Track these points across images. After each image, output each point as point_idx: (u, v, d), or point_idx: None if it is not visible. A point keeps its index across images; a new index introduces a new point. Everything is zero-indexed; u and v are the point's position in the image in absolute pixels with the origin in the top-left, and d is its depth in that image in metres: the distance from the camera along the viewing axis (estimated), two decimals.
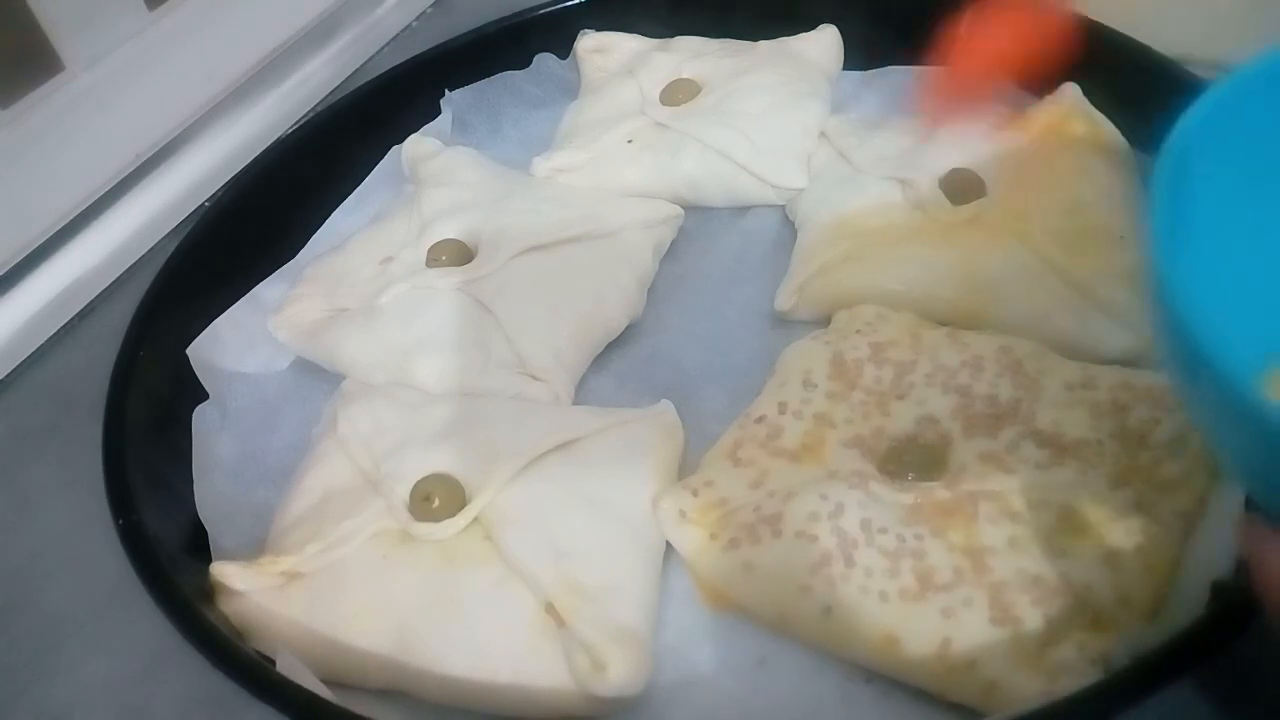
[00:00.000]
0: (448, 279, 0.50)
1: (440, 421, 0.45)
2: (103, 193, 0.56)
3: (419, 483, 0.42)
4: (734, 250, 0.55)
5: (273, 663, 0.38)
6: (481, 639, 0.38)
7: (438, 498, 0.41)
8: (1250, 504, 0.35)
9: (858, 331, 0.47)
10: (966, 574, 0.37)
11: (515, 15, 0.64)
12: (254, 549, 0.43)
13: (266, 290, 0.53)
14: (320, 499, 0.43)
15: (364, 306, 0.50)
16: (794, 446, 0.43)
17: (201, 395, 0.49)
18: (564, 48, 0.65)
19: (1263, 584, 0.28)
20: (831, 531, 0.38)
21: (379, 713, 0.36)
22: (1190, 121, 0.29)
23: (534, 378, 0.47)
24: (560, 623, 0.38)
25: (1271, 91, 0.30)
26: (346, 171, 0.59)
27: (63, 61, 0.54)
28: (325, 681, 0.38)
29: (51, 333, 0.54)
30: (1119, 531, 0.37)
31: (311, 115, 0.63)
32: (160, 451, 0.46)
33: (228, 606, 0.41)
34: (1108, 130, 0.52)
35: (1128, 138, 0.52)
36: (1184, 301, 0.26)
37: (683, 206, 0.56)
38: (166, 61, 0.59)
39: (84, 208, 0.56)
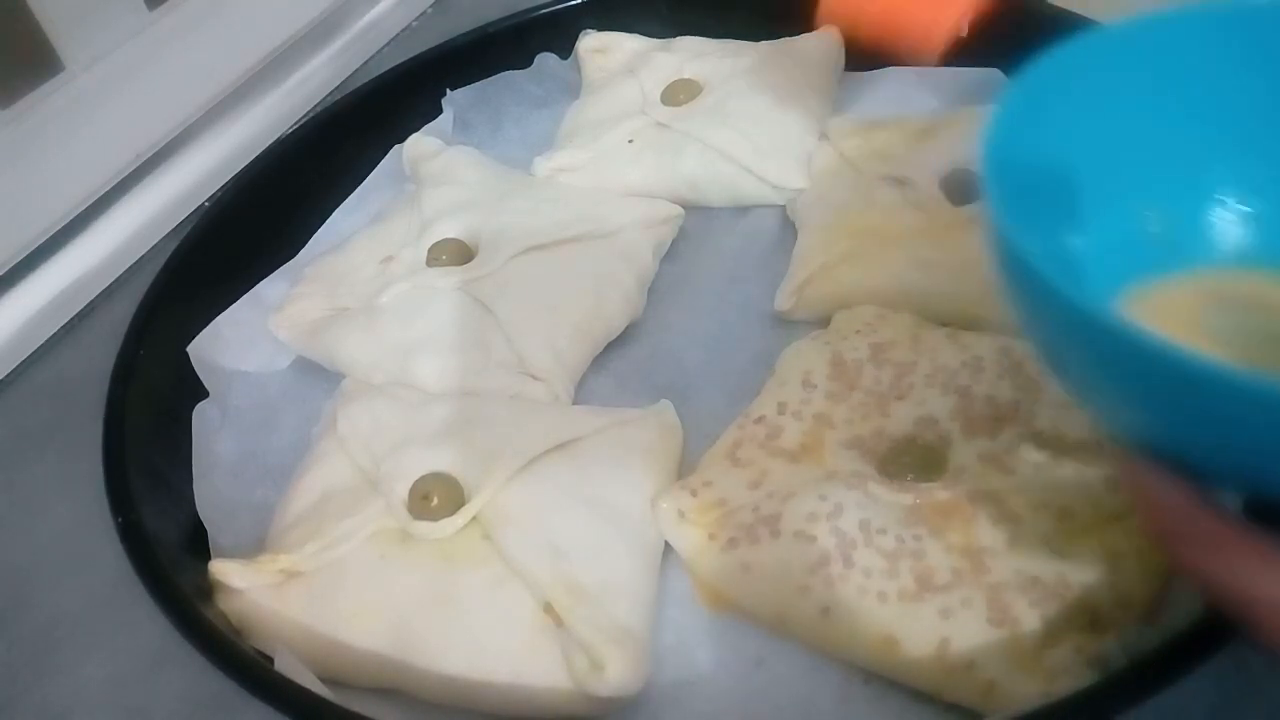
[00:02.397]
0: (448, 279, 0.50)
1: (440, 421, 0.45)
2: (103, 193, 0.56)
3: (418, 481, 0.42)
4: (734, 250, 0.55)
5: (271, 661, 0.38)
6: (480, 638, 0.38)
7: (437, 497, 0.41)
8: (1252, 511, 0.36)
9: (857, 332, 0.47)
10: (965, 575, 0.37)
11: (516, 15, 0.65)
12: (253, 548, 0.43)
13: (267, 289, 0.53)
14: (320, 498, 0.43)
15: (364, 306, 0.50)
16: (793, 447, 0.43)
17: (201, 394, 0.49)
18: (565, 47, 0.65)
19: (1152, 524, 0.29)
20: (830, 532, 0.38)
21: (377, 712, 0.36)
22: (1022, 85, 0.32)
23: (534, 377, 0.47)
24: (558, 622, 0.38)
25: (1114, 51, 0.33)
26: (346, 171, 0.59)
27: (63, 61, 0.55)
28: (323, 680, 0.38)
29: (51, 333, 0.54)
30: (1118, 533, 0.37)
31: (311, 115, 0.63)
32: (160, 451, 0.46)
33: (227, 605, 0.41)
34: None
35: None
36: (1022, 247, 0.27)
37: (683, 206, 0.56)
38: (166, 61, 0.59)
39: (84, 208, 0.56)
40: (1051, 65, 0.32)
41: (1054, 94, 0.32)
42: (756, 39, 0.62)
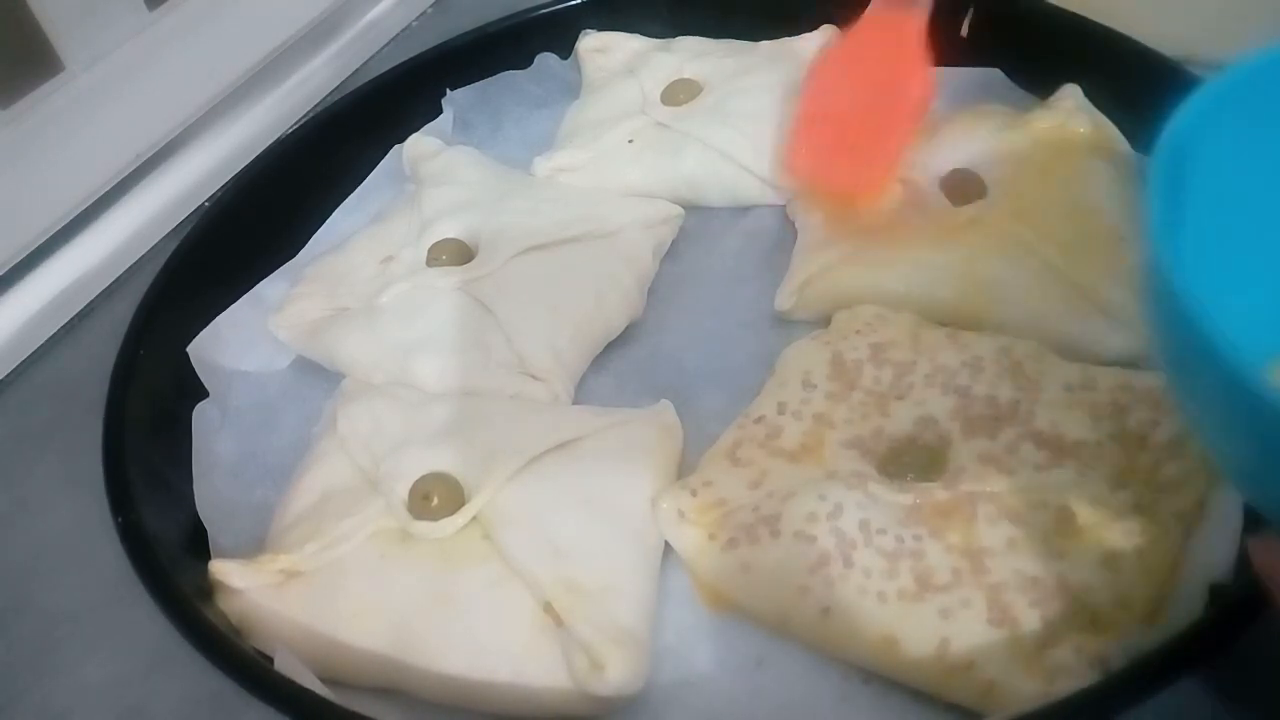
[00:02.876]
0: (448, 278, 0.50)
1: (440, 421, 0.45)
2: (103, 193, 0.56)
3: (418, 481, 0.42)
4: (734, 250, 0.55)
5: (271, 661, 0.38)
6: (480, 638, 0.38)
7: (437, 496, 0.41)
8: (1252, 514, 0.36)
9: (857, 332, 0.47)
10: (965, 575, 0.37)
11: (516, 15, 0.64)
12: (253, 548, 0.43)
13: (267, 289, 0.53)
14: (320, 498, 0.43)
15: (364, 306, 0.50)
16: (793, 447, 0.43)
17: (201, 394, 0.49)
18: (565, 47, 0.65)
19: None
20: (830, 532, 0.38)
21: (377, 712, 0.36)
22: (1186, 116, 0.29)
23: (534, 377, 0.47)
24: (559, 622, 0.38)
25: (1269, 86, 0.30)
26: (346, 171, 0.59)
27: (63, 61, 0.55)
28: (323, 680, 0.38)
29: (51, 333, 0.54)
30: (1118, 533, 0.37)
31: (311, 115, 0.63)
32: (160, 451, 0.46)
33: (227, 604, 0.41)
34: (1109, 131, 0.52)
35: (1128, 138, 0.52)
36: (1184, 293, 0.25)
37: (683, 206, 0.56)
38: (166, 61, 0.59)
39: (84, 208, 0.56)
40: (1227, 87, 0.29)
41: (1232, 115, 0.29)
42: (756, 39, 0.62)
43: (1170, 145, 0.28)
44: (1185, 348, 0.26)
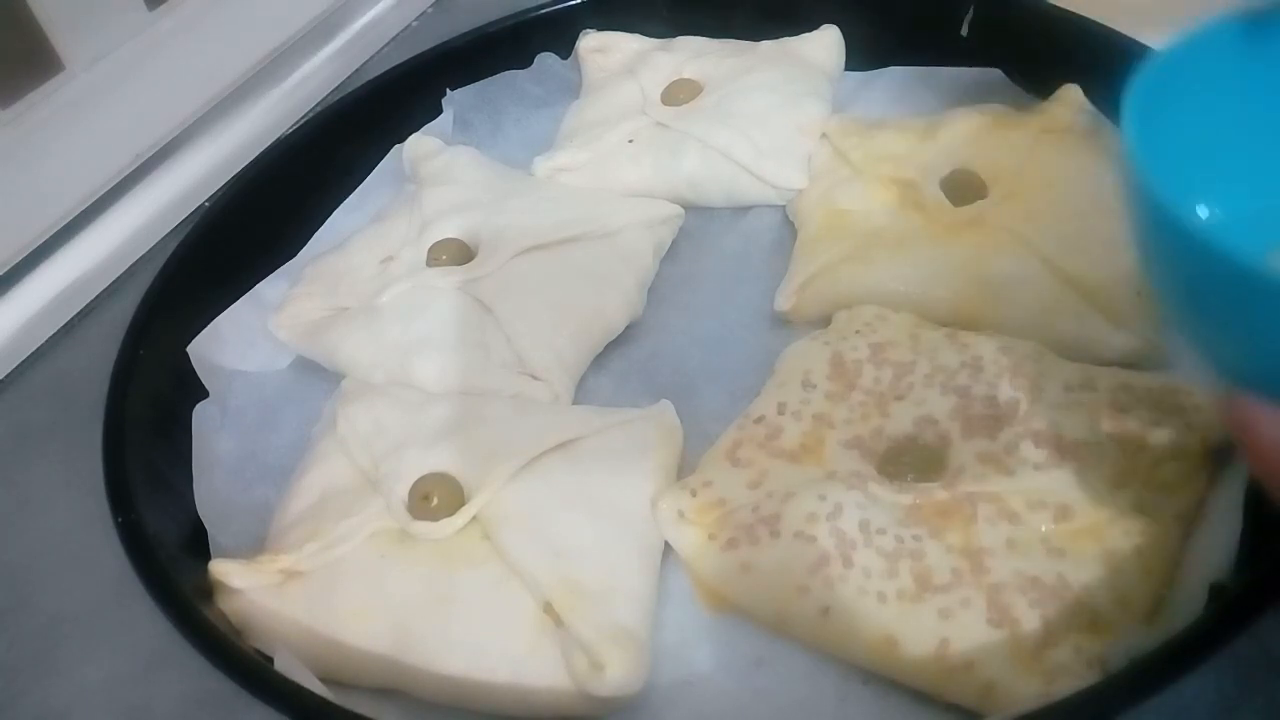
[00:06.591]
0: (448, 278, 0.50)
1: (440, 421, 0.45)
2: (103, 193, 0.57)
3: (418, 482, 0.42)
4: (734, 250, 0.55)
5: (271, 661, 0.38)
6: (479, 639, 0.38)
7: (436, 497, 0.41)
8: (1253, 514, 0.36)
9: (857, 332, 0.47)
10: (964, 575, 0.37)
11: (517, 15, 0.64)
12: (253, 547, 0.43)
13: (267, 289, 0.53)
14: (319, 498, 0.43)
15: (364, 306, 0.50)
16: (793, 447, 0.43)
17: (201, 394, 0.49)
18: (565, 47, 0.65)
19: (1257, 456, 0.28)
20: (830, 532, 0.38)
21: (377, 712, 0.36)
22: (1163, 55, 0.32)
23: (534, 377, 0.47)
24: (558, 622, 0.38)
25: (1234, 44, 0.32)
26: (346, 171, 0.59)
27: (63, 61, 0.55)
28: (323, 680, 0.38)
29: (51, 333, 0.54)
30: (1117, 533, 0.37)
31: (311, 115, 0.63)
32: (160, 450, 0.46)
33: (226, 604, 0.41)
34: (1109, 131, 0.52)
35: None
36: (1160, 192, 0.28)
37: (683, 206, 0.56)
38: (166, 61, 0.59)
39: (84, 208, 0.56)
40: (1194, 44, 0.33)
41: (1199, 64, 0.33)
42: (756, 39, 0.62)
43: (1148, 77, 0.31)
44: (1172, 249, 0.29)
